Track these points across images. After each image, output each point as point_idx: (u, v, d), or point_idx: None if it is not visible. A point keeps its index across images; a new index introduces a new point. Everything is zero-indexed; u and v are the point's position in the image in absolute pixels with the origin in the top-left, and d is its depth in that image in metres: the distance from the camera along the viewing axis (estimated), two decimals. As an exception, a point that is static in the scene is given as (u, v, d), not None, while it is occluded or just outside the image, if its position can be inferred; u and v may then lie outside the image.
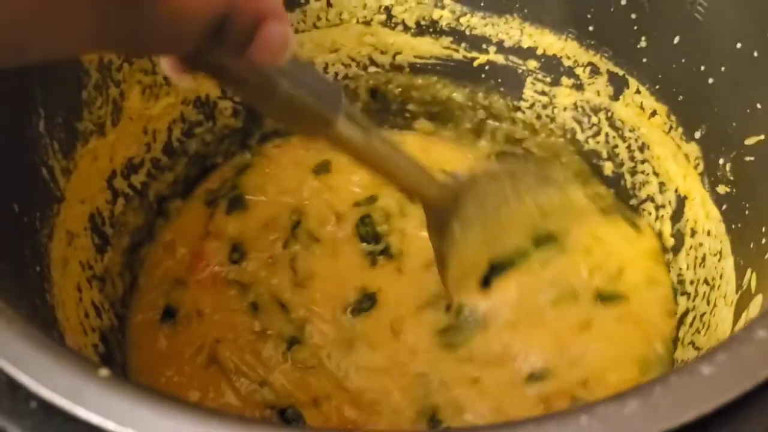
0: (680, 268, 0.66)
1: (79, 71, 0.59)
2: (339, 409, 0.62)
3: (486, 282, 0.66)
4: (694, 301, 0.62)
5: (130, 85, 0.65)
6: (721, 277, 0.58)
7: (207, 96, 0.73)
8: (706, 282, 0.61)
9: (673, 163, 0.66)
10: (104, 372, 0.30)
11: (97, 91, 0.62)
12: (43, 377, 0.29)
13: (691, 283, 0.63)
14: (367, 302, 0.68)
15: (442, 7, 0.74)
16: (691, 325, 0.61)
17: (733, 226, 0.58)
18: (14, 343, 0.31)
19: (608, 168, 0.74)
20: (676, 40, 0.62)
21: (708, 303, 0.59)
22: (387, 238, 0.72)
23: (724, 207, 0.60)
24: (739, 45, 0.56)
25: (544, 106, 0.77)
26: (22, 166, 0.54)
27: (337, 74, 0.80)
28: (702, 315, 0.60)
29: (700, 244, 0.63)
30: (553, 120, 0.77)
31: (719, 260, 0.59)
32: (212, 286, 0.69)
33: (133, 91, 0.66)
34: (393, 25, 0.76)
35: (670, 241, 0.68)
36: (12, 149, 0.53)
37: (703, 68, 0.60)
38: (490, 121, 0.81)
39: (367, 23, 0.76)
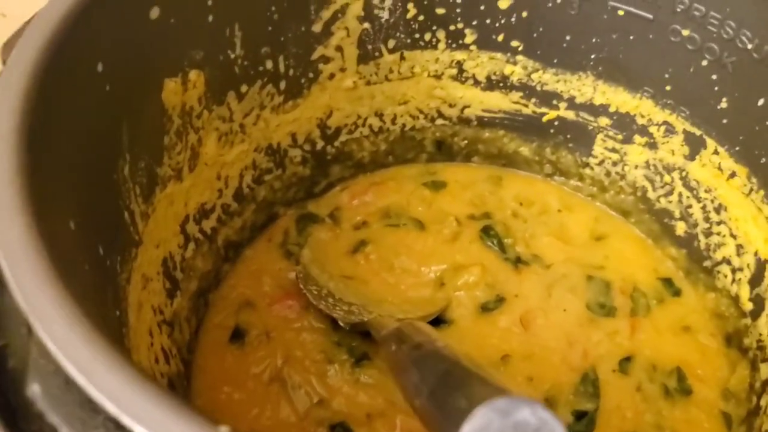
0: (760, 334, 0.64)
1: (162, 117, 0.60)
2: (391, 426, 0.62)
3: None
4: (777, 369, 0.61)
5: (207, 132, 0.65)
6: (809, 346, 0.56)
7: (278, 144, 0.74)
8: (791, 350, 0.59)
9: (753, 225, 0.65)
10: (224, 429, 0.30)
11: (178, 137, 0.62)
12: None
13: (774, 350, 0.62)
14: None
15: (515, 63, 0.74)
16: (775, 394, 0.60)
17: (823, 294, 0.57)
18: (133, 398, 0.31)
19: (680, 228, 0.73)
20: (761, 102, 0.61)
21: (795, 372, 0.58)
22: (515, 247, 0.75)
23: (811, 273, 0.58)
24: (829, 109, 0.55)
25: (615, 164, 0.76)
26: (108, 210, 0.54)
27: (404, 125, 0.80)
28: (788, 384, 0.58)
29: (784, 310, 0.61)
30: (623, 177, 0.77)
31: (807, 328, 0.57)
32: (289, 312, 0.70)
33: (210, 138, 0.66)
34: (463, 79, 0.77)
35: (749, 306, 0.66)
36: (99, 193, 0.53)
37: (789, 131, 0.59)
38: (557, 177, 0.81)
39: (438, 77, 0.77)
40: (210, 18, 0.60)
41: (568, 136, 0.78)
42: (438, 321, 0.70)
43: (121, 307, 0.54)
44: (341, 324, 0.67)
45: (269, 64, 0.67)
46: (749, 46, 0.60)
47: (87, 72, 0.49)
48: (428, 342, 0.52)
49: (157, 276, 0.63)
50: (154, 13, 0.54)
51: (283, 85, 0.70)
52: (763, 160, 0.63)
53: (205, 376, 0.67)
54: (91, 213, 0.51)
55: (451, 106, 0.79)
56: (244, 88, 0.67)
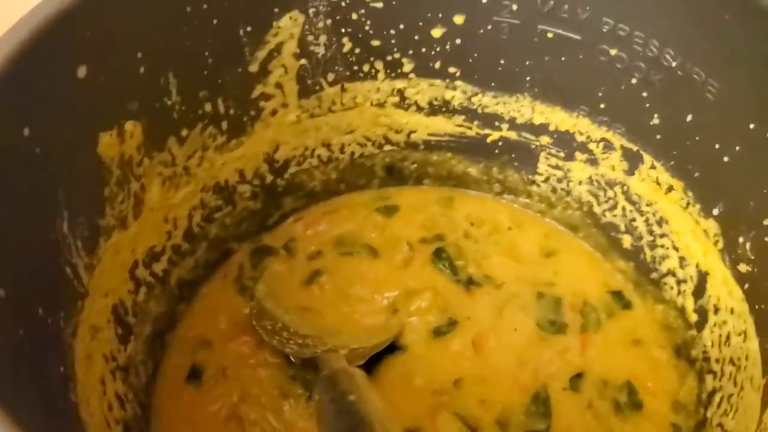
0: (705, 345, 0.65)
1: (101, 169, 0.60)
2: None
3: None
4: (720, 380, 0.62)
5: (150, 178, 0.66)
6: (747, 359, 0.57)
7: (226, 181, 0.74)
8: (731, 362, 0.60)
9: (692, 238, 0.66)
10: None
11: (119, 187, 0.62)
12: None
13: (717, 361, 0.63)
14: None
15: (454, 88, 0.75)
16: (719, 406, 0.61)
17: (757, 307, 0.58)
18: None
19: (627, 241, 0.74)
20: (689, 118, 0.62)
21: (735, 384, 0.59)
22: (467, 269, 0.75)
23: (746, 286, 0.59)
24: (752, 125, 0.56)
25: (559, 180, 0.77)
26: (46, 269, 0.54)
27: (353, 153, 0.81)
28: (729, 396, 0.59)
29: (724, 322, 0.62)
30: (569, 193, 0.78)
31: (744, 341, 0.58)
32: (244, 348, 0.71)
33: (154, 183, 0.66)
34: (406, 106, 0.78)
35: (693, 317, 0.67)
36: (36, 253, 0.53)
37: (717, 146, 0.60)
38: (506, 195, 0.82)
39: (381, 105, 0.77)
40: (142, 69, 0.61)
41: (513, 155, 0.79)
42: (393, 347, 0.71)
43: (66, 363, 0.55)
44: (292, 360, 0.68)
45: (208, 107, 0.68)
46: (673, 64, 0.61)
47: (12, 139, 0.49)
48: (347, 393, 0.56)
49: (108, 324, 0.63)
50: (82, 71, 0.55)
51: (225, 125, 0.70)
52: (697, 174, 0.64)
53: (164, 418, 0.67)
54: (27, 275, 0.51)
55: (397, 132, 0.80)
56: (184, 132, 0.67)
